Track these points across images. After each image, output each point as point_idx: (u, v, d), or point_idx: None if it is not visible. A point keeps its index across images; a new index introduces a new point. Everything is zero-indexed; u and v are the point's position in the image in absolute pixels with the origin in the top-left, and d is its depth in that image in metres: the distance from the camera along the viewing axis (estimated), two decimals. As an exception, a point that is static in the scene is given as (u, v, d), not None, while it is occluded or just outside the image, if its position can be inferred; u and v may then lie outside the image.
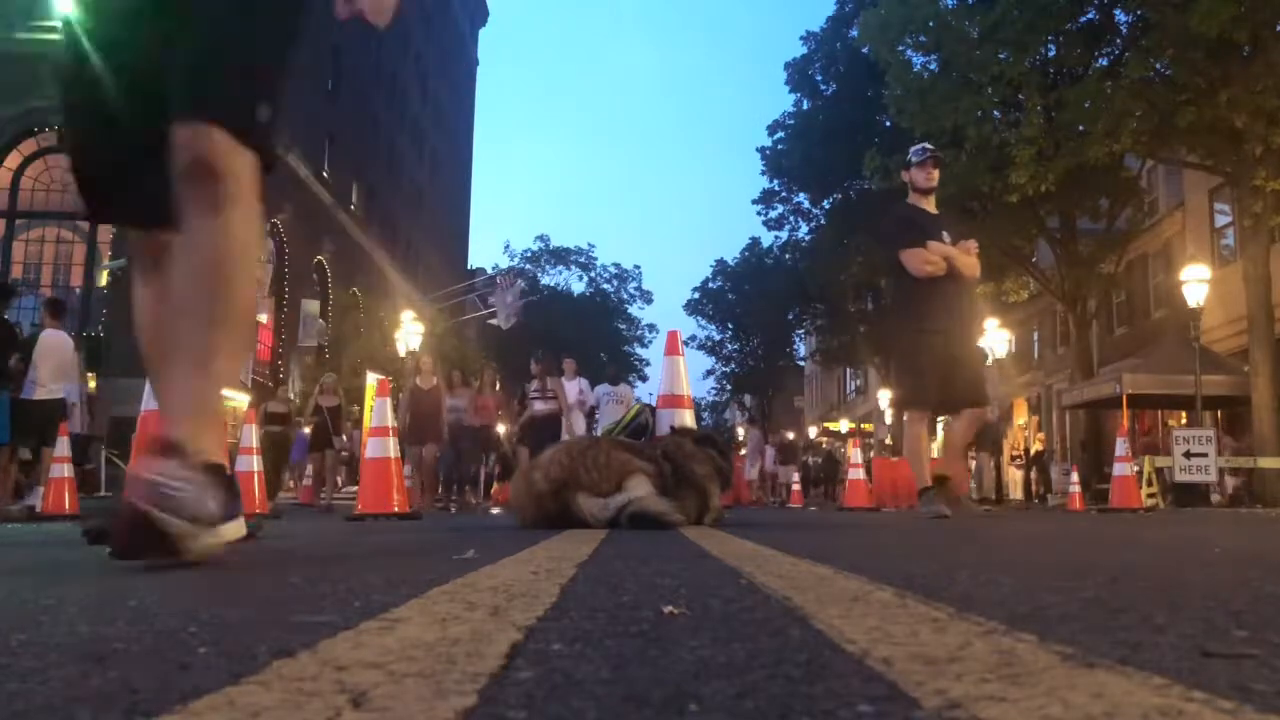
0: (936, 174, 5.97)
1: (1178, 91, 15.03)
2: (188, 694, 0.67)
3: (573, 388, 11.54)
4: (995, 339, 21.39)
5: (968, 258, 5.77)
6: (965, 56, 18.29)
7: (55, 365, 8.62)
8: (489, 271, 42.72)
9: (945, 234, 5.77)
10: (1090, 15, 18.49)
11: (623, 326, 51.13)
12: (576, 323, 45.45)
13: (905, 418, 6.12)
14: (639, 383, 50.50)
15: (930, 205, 5.96)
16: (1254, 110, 14.10)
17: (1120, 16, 18.18)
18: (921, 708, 0.62)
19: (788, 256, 36.77)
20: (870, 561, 1.99)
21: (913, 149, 6.14)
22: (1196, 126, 14.76)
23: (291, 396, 14.46)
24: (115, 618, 1.11)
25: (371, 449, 6.20)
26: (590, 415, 11.60)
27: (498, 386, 13.45)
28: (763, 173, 30.99)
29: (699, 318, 47.90)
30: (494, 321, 33.25)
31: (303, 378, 27.49)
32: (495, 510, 10.54)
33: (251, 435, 8.13)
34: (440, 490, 12.25)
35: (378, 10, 2.18)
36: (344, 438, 14.10)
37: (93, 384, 19.42)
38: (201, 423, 1.83)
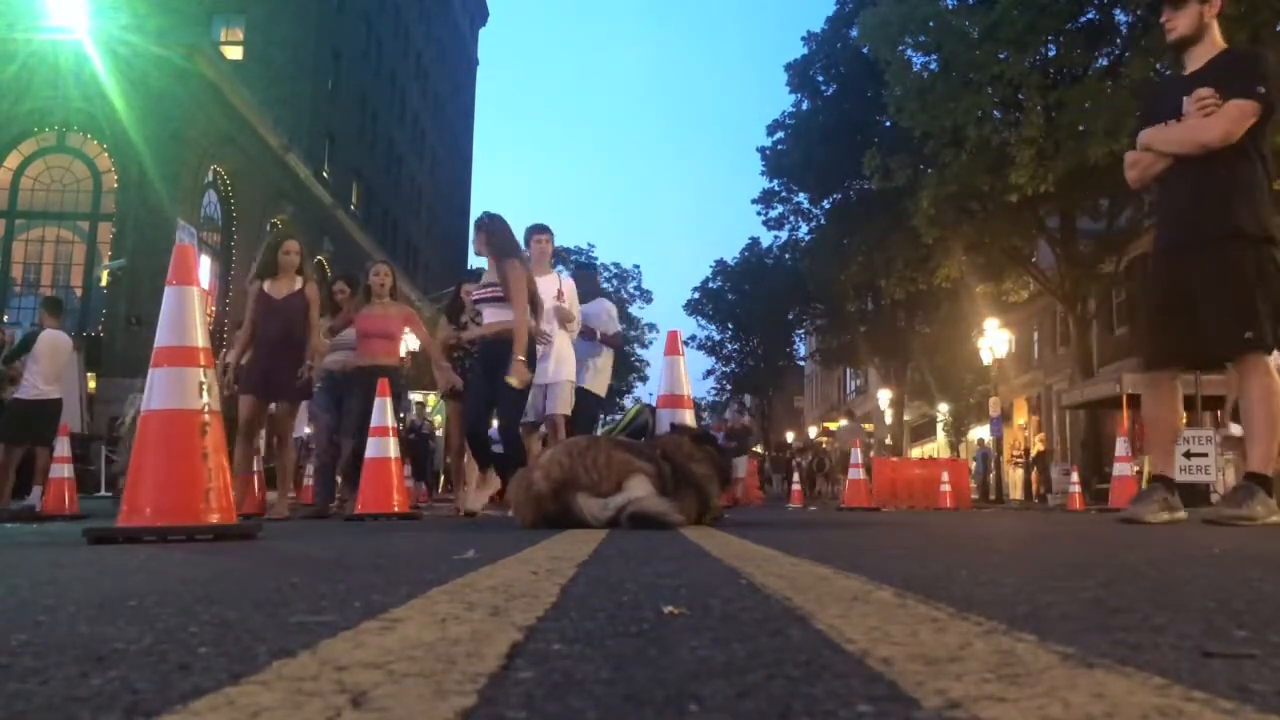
0: (1179, 19, 4.10)
1: (1178, 91, 15.04)
2: (188, 694, 0.67)
3: (548, 284, 6.50)
4: (995, 339, 21.39)
5: (1185, 128, 3.97)
6: (965, 56, 18.28)
7: (53, 366, 8.62)
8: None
9: (1186, 101, 3.99)
10: (1090, 15, 18.49)
11: (622, 326, 50.94)
12: (576, 322, 45.24)
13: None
14: (638, 383, 50.30)
15: (1188, 62, 4.15)
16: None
17: (1120, 16, 18.18)
18: (921, 708, 0.62)
19: (787, 256, 36.74)
20: (870, 561, 1.99)
21: None
22: (1196, 126, 14.74)
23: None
24: (115, 618, 1.11)
25: (371, 449, 6.17)
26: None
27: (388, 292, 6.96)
28: (762, 173, 30.94)
29: (699, 318, 47.87)
30: None
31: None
32: (476, 507, 6.14)
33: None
34: (316, 486, 7.17)
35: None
36: None
37: (93, 384, 19.42)
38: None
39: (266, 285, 6.41)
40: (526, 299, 5.59)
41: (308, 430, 9.99)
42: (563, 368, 6.56)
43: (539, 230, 6.76)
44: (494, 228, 5.88)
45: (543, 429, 6.70)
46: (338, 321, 6.90)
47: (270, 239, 6.65)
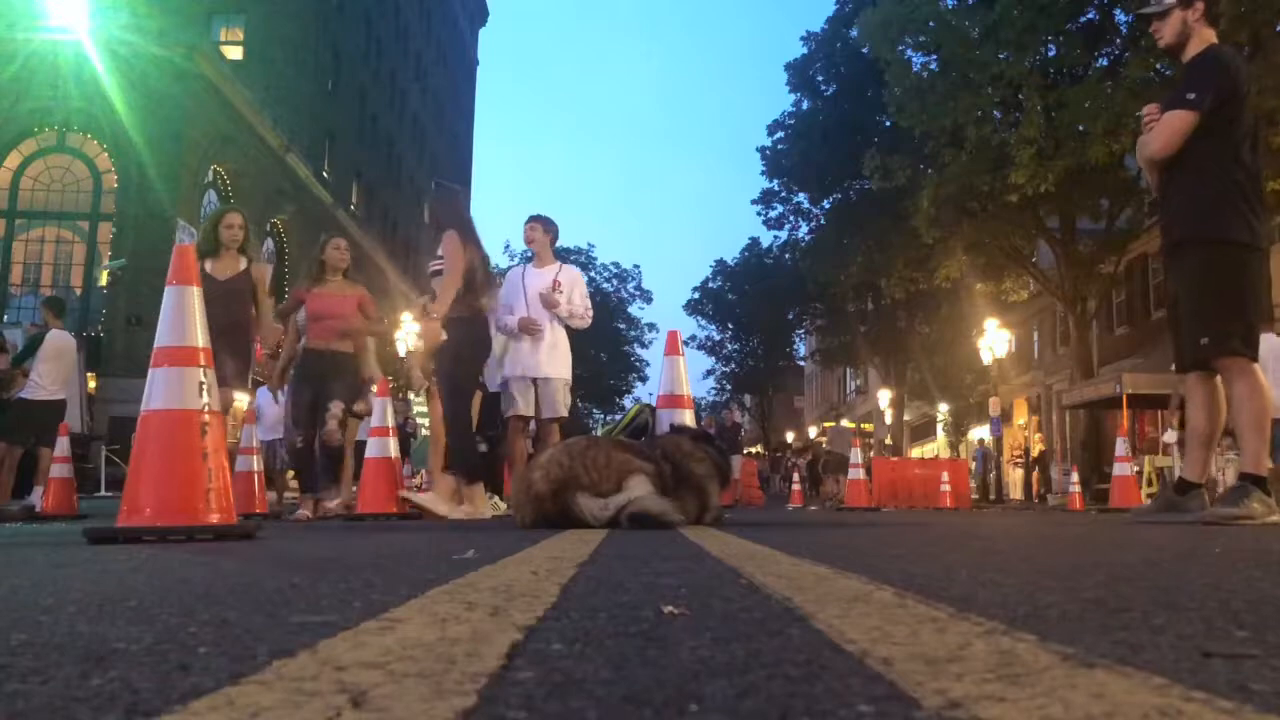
0: (1163, 28, 4.18)
1: (1178, 91, 15.03)
2: (188, 694, 0.67)
3: (544, 275, 6.26)
4: (995, 339, 21.39)
5: (1139, 144, 4.17)
6: (965, 56, 18.29)
7: (59, 367, 8.63)
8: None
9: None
10: (1090, 15, 18.49)
11: (622, 326, 51.05)
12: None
13: None
14: (638, 383, 50.27)
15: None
16: (1254, 110, 14.09)
17: (1120, 16, 18.17)
18: (921, 708, 0.62)
19: (788, 256, 36.73)
20: (870, 561, 1.99)
21: None
22: (1197, 126, 14.74)
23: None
24: (115, 618, 1.11)
25: (371, 449, 6.17)
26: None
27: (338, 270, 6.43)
28: (763, 173, 30.96)
29: (699, 318, 47.89)
30: None
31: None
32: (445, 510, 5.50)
33: (252, 436, 8.09)
34: (293, 481, 6.73)
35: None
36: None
37: (93, 384, 19.43)
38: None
39: (208, 265, 5.81)
40: (459, 273, 5.49)
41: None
42: (556, 364, 6.16)
43: (532, 220, 6.45)
44: (438, 198, 5.76)
45: (532, 426, 6.32)
46: (286, 305, 6.38)
47: (212, 213, 6.08)
